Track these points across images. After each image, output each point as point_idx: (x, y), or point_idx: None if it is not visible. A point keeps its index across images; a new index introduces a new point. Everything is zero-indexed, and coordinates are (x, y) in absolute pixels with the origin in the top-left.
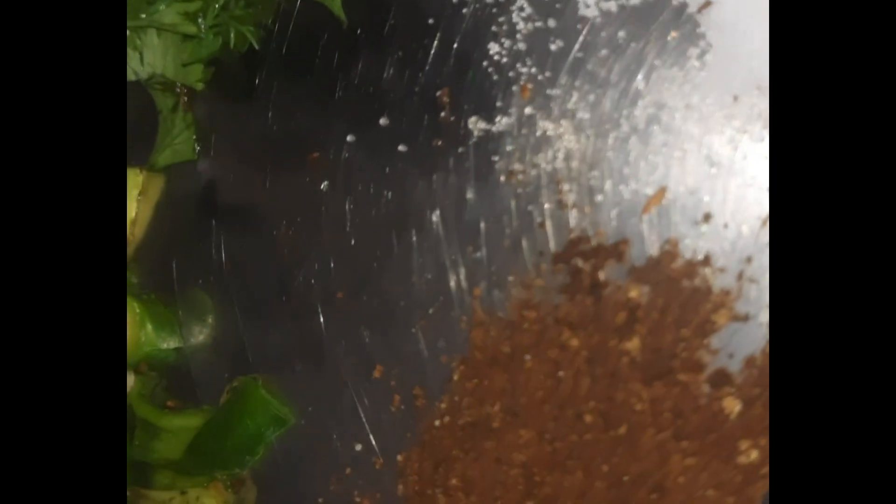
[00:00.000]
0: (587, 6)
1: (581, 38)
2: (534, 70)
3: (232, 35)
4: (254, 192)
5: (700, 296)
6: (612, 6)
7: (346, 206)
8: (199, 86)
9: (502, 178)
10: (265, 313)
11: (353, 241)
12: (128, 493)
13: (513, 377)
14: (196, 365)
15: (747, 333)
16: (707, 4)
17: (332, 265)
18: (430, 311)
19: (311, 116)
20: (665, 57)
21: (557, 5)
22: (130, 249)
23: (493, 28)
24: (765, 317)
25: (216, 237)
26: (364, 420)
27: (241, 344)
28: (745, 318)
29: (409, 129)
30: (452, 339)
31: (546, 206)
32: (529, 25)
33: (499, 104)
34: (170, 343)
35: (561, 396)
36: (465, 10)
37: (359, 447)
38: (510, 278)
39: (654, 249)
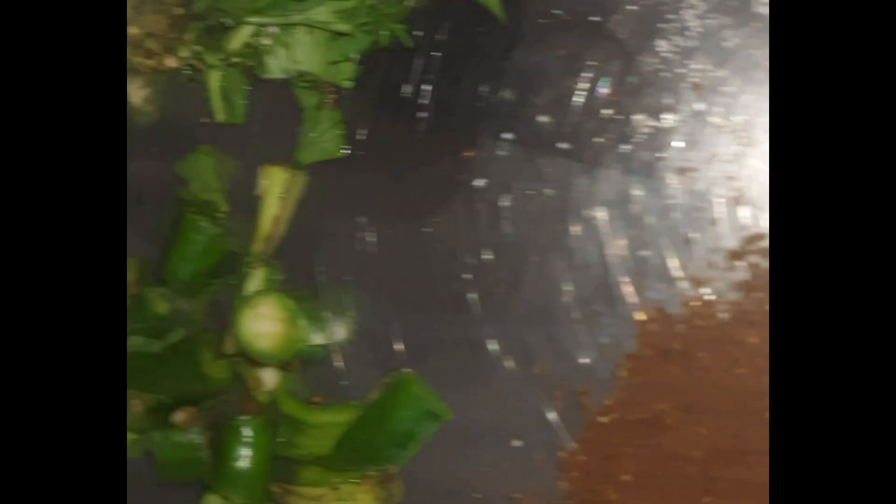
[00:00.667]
0: (761, 3)
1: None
2: (706, 66)
3: (383, 32)
4: (402, 189)
5: None
6: None
7: (502, 203)
8: (348, 84)
9: (670, 175)
10: (417, 308)
11: (509, 236)
12: (275, 490)
13: (686, 374)
14: (343, 361)
15: None
16: None
17: (486, 259)
18: (594, 306)
19: (464, 115)
20: None
21: (732, 3)
22: (273, 246)
23: (662, 25)
24: None
25: (361, 233)
26: (522, 416)
27: (389, 340)
28: None
29: (570, 126)
30: (617, 335)
31: (716, 202)
32: (701, 22)
33: (666, 101)
34: (319, 339)
35: (740, 393)
36: (631, 7)
37: (517, 443)
38: (681, 274)
39: None
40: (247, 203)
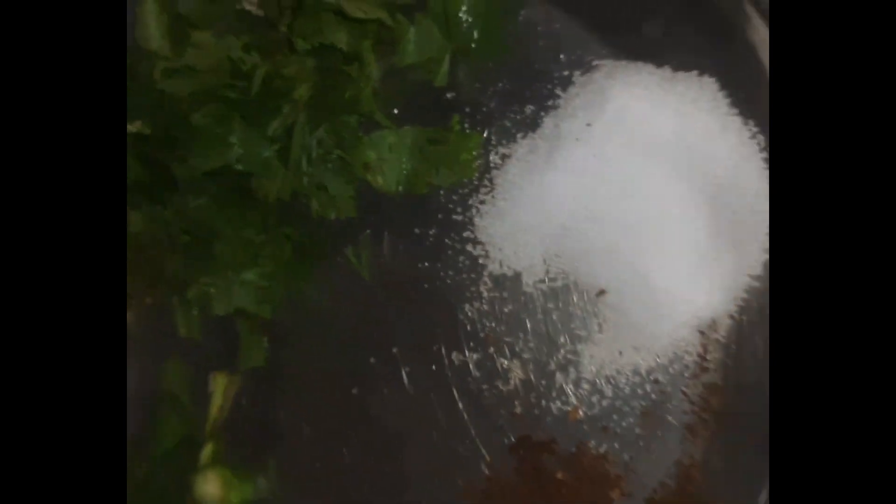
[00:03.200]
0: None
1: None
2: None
3: (293, 285)
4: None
5: (602, 479)
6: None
7: (375, 409)
8: (268, 316)
9: (474, 395)
10: (312, 477)
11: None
12: None
13: None
14: None
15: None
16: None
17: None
18: None
19: (342, 337)
20: None
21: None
22: (218, 427)
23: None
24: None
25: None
26: None
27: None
28: (630, 495)
29: (417, 355)
30: None
31: (505, 415)
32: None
33: (472, 344)
34: (250, 497)
35: None
36: None
37: None
38: (482, 462)
39: (572, 447)
40: (202, 394)
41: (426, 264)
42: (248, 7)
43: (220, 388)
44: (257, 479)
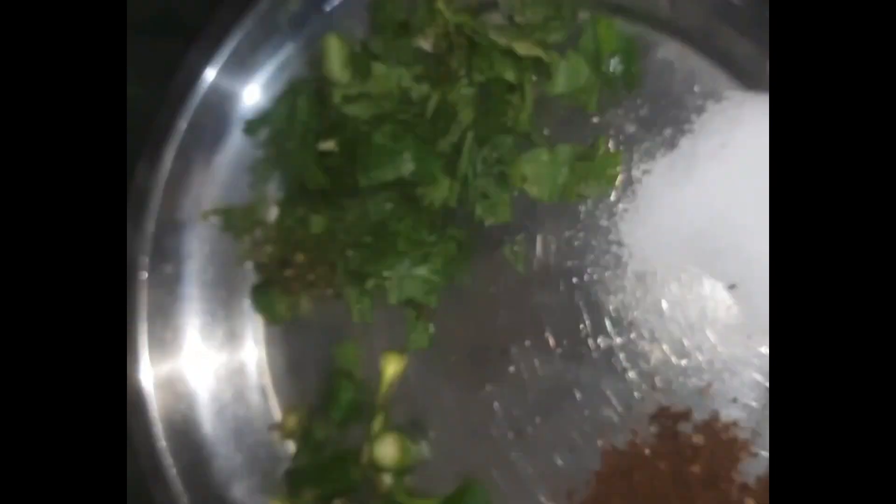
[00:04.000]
0: None
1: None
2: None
3: (456, 278)
4: (471, 368)
5: (732, 442)
6: None
7: (525, 382)
8: (433, 304)
9: (618, 373)
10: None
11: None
12: None
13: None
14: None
15: (759, 464)
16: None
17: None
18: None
19: (498, 324)
20: None
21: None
22: (388, 400)
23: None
24: (765, 453)
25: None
26: None
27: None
28: (756, 455)
29: (565, 338)
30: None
31: (646, 388)
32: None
33: (616, 329)
34: (417, 456)
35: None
36: None
37: None
38: (624, 427)
39: (706, 415)
40: (373, 371)
41: (575, 262)
42: (423, 45)
43: (389, 365)
44: (421, 444)
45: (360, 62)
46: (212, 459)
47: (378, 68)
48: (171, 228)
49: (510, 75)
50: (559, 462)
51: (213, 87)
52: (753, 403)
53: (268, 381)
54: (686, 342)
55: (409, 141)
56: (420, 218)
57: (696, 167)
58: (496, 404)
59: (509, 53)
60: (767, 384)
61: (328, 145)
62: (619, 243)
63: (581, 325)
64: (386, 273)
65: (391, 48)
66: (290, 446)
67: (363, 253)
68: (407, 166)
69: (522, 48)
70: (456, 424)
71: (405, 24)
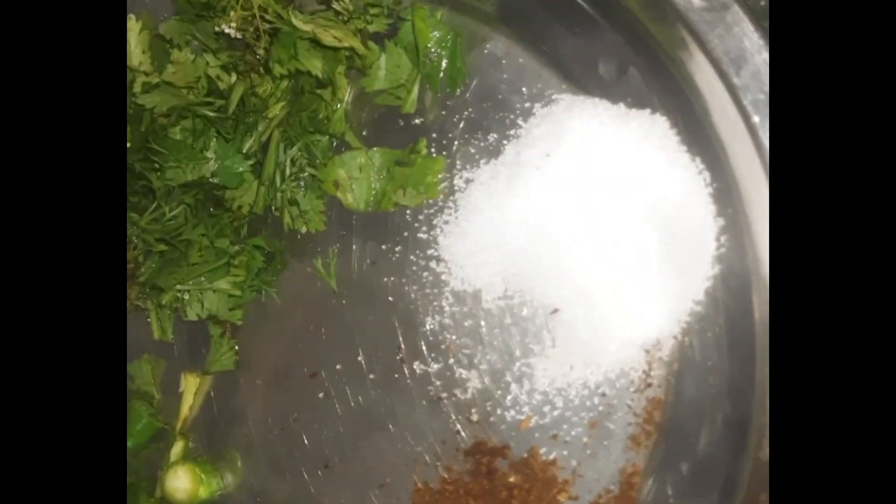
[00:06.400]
0: None
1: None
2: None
3: (263, 294)
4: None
5: (550, 482)
6: None
7: (336, 409)
8: (238, 322)
9: (433, 402)
10: (275, 469)
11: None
12: None
13: None
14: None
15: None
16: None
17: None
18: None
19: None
20: None
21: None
22: (188, 425)
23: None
24: (588, 498)
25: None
26: None
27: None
28: (576, 498)
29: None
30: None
31: (462, 421)
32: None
33: (432, 354)
34: (215, 488)
35: None
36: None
37: None
38: (437, 463)
39: (524, 452)
40: (172, 393)
41: (392, 279)
42: (227, 30)
43: (190, 387)
44: (224, 474)
45: (159, 48)
46: None
47: (179, 55)
48: None
49: (316, 68)
50: (371, 499)
51: None
52: (574, 440)
53: None
54: (505, 371)
55: (212, 138)
56: (221, 225)
57: (520, 177)
58: (304, 433)
59: (318, 43)
60: (589, 420)
61: None
62: (439, 259)
63: (396, 349)
64: (180, 287)
65: (187, 32)
66: None
67: (156, 263)
68: (209, 167)
69: (329, 37)
70: (262, 454)
71: (208, 5)
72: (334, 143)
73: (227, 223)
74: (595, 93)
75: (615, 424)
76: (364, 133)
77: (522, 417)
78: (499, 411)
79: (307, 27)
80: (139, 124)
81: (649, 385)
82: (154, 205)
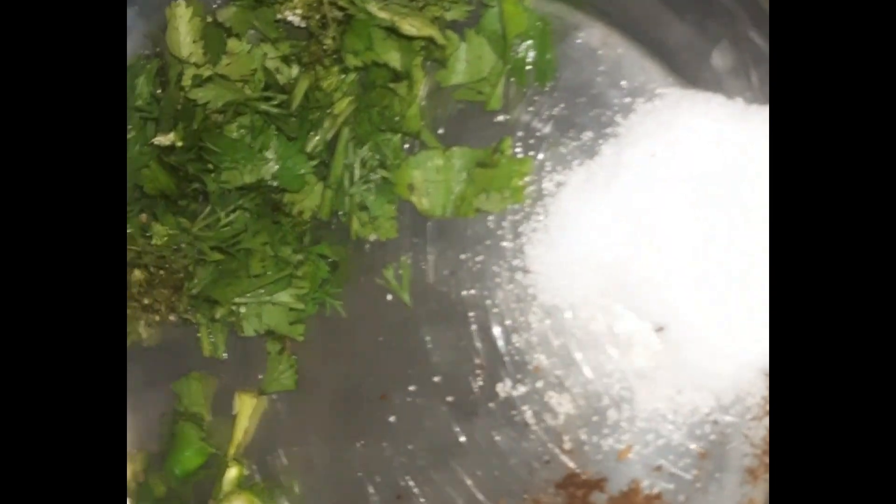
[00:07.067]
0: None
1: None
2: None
3: (327, 307)
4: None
5: None
6: None
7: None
8: (300, 338)
9: (519, 428)
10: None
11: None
12: None
13: None
14: None
15: None
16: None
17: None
18: None
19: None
20: None
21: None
22: (242, 449)
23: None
24: None
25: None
26: None
27: None
28: None
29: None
30: None
31: (553, 449)
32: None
33: (518, 376)
34: None
35: None
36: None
37: None
38: (525, 496)
39: (623, 486)
40: (225, 414)
41: (472, 292)
42: (290, 17)
43: (245, 408)
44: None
45: (213, 37)
46: None
47: (235, 45)
48: None
49: (394, 59)
50: None
51: None
52: (682, 472)
53: None
54: (602, 394)
55: (273, 136)
56: (284, 232)
57: (619, 179)
58: (373, 461)
59: (394, 32)
60: (697, 449)
61: (166, 138)
62: (525, 270)
63: (477, 369)
64: (238, 300)
65: (248, 20)
66: None
67: (211, 273)
68: (269, 168)
69: (410, 26)
70: (324, 483)
71: None
72: (405, 143)
73: (289, 230)
74: (708, 87)
75: (729, 455)
76: (440, 131)
77: (622, 446)
78: (595, 439)
79: (385, 15)
80: (191, 121)
81: (768, 412)
82: (207, 209)
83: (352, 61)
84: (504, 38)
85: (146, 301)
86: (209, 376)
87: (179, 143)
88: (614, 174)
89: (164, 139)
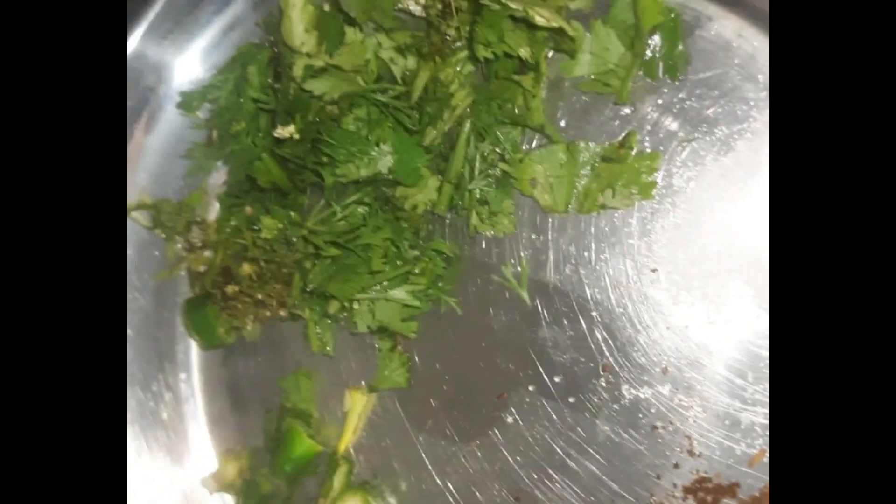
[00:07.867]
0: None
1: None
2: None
3: (441, 304)
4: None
5: None
6: None
7: (527, 436)
8: (412, 335)
9: (645, 431)
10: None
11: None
12: None
13: None
14: None
15: None
16: None
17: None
18: None
19: (495, 362)
20: None
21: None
22: (350, 447)
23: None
24: None
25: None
26: None
27: None
28: None
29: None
30: None
31: (681, 453)
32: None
33: (645, 378)
34: None
35: None
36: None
37: None
38: (652, 499)
39: (756, 491)
40: (329, 411)
41: (595, 290)
42: (411, 7)
43: (356, 406)
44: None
45: (328, 26)
46: None
47: (352, 34)
48: None
49: (524, 51)
50: None
51: (137, 55)
52: None
53: (202, 419)
54: (734, 397)
55: (389, 129)
56: (399, 227)
57: (757, 177)
58: (488, 462)
59: (524, 22)
60: None
61: (286, 131)
62: (654, 269)
63: (601, 370)
64: (353, 295)
65: (368, 8)
66: (229, 502)
67: (327, 268)
68: (385, 161)
69: (540, 17)
70: (436, 484)
71: None
72: (525, 136)
73: (406, 225)
74: None
75: None
76: (562, 124)
77: (755, 451)
78: (726, 444)
79: (517, 5)
80: (306, 112)
81: None
82: (321, 203)
83: (482, 53)
84: (637, 29)
85: (259, 296)
86: (315, 373)
87: (295, 135)
88: (752, 172)
89: (283, 131)
